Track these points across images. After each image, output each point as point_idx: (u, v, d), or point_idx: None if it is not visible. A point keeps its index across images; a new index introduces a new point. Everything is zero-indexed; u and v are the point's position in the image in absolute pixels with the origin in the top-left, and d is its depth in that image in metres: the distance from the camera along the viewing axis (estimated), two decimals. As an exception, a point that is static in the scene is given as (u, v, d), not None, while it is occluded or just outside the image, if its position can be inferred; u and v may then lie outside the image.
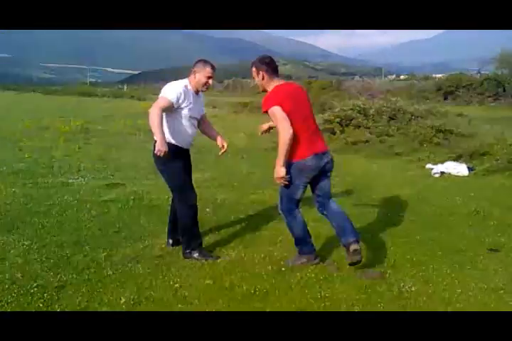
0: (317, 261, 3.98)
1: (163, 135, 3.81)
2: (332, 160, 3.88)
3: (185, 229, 4.17)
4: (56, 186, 6.64)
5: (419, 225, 5.19)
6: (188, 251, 4.11)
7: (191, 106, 4.01)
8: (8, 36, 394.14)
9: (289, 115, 3.55)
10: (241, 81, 42.48)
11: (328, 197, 3.93)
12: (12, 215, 5.18)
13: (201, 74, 3.98)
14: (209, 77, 4.00)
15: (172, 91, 3.91)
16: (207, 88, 4.09)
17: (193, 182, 4.30)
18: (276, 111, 3.53)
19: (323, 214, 3.95)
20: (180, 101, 3.92)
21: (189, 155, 4.31)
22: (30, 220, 5.03)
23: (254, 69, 3.69)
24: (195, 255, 4.08)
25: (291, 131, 3.51)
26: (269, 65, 3.61)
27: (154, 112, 3.79)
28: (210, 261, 4.03)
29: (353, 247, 3.68)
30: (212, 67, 4.02)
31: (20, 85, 50.88)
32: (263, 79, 3.67)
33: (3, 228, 4.75)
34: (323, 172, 3.82)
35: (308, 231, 4.00)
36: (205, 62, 4.04)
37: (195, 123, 4.18)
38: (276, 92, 3.62)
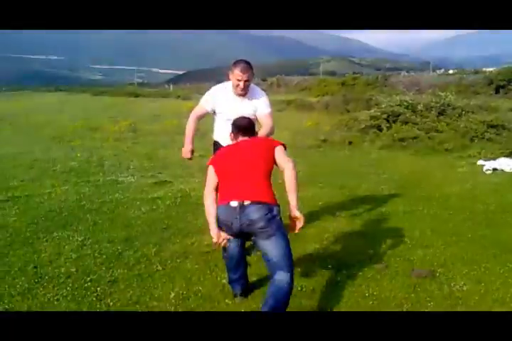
0: (237, 300, 3.35)
1: (189, 141, 4.09)
2: (263, 220, 2.87)
3: None
4: (107, 184, 6.85)
5: (471, 223, 5.04)
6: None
7: (228, 109, 3.85)
8: (60, 39, 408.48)
9: (220, 172, 3.21)
10: (284, 78, 42.14)
11: (275, 265, 2.93)
12: (66, 212, 5.38)
13: (233, 77, 3.73)
14: (239, 80, 3.69)
15: (205, 95, 4.00)
16: (241, 90, 3.75)
17: None
18: (208, 171, 3.31)
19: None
20: (211, 105, 3.92)
21: None
22: (83, 217, 5.22)
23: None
24: None
25: (207, 194, 3.19)
26: (236, 127, 3.41)
27: (189, 119, 4.06)
28: (255, 258, 4.05)
29: None
30: (242, 70, 3.66)
31: (70, 87, 52.50)
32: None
33: (59, 224, 4.95)
34: (256, 233, 2.92)
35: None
36: (237, 63, 3.72)
37: None
38: (221, 152, 3.39)
